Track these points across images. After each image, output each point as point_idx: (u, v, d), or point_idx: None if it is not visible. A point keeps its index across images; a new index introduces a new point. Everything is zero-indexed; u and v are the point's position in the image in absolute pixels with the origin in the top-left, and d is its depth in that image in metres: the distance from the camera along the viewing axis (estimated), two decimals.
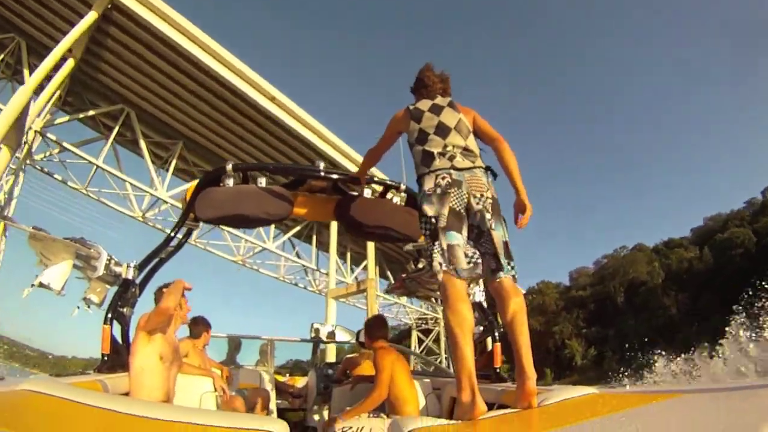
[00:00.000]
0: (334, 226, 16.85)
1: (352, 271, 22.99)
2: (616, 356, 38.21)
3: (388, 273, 23.22)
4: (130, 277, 3.08)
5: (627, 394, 2.10)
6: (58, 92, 13.57)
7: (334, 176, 3.25)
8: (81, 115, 15.50)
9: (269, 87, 14.70)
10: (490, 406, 1.91)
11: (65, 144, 15.64)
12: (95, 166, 16.26)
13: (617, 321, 44.13)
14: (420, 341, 35.32)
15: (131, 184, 16.94)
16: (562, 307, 50.61)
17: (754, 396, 1.57)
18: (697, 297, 39.20)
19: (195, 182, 3.23)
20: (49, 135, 15.19)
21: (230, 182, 3.12)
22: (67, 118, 15.52)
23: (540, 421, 1.78)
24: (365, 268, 20.50)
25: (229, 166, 3.09)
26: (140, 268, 3.16)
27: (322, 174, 3.20)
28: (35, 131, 14.52)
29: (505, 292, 2.12)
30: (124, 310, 3.00)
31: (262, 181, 3.18)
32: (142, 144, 16.20)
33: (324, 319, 16.03)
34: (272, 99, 14.84)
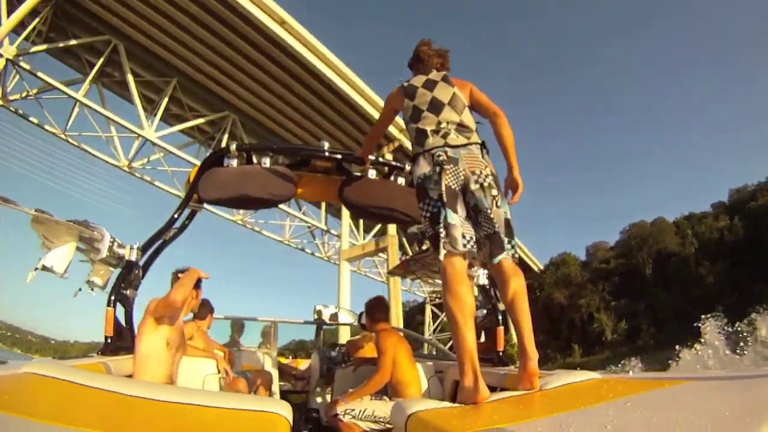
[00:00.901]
0: None
1: (364, 239, 21.45)
2: (651, 330, 37.23)
3: (405, 243, 21.73)
4: (133, 259, 3.08)
5: (631, 379, 2.09)
6: (38, 24, 12.70)
7: (338, 156, 3.22)
8: (61, 44, 14.18)
9: (278, 9, 13.29)
10: (493, 390, 1.91)
11: (41, 74, 14.02)
12: (76, 102, 14.89)
13: (647, 294, 40.91)
14: (435, 316, 35.20)
15: (118, 124, 15.52)
16: (587, 279, 46.66)
17: (760, 384, 1.56)
18: (733, 267, 36.80)
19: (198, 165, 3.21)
20: (22, 64, 13.67)
21: (234, 163, 3.09)
22: (44, 47, 14.04)
23: (542, 405, 1.78)
24: (378, 234, 19.52)
25: (233, 146, 3.06)
26: (143, 249, 3.16)
27: (326, 154, 3.17)
28: (7, 59, 13.08)
29: (505, 273, 2.09)
30: (128, 292, 3.01)
31: (266, 162, 3.16)
32: (130, 80, 15.00)
33: (337, 287, 15.57)
34: (281, 23, 13.54)
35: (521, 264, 2.43)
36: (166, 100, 16.02)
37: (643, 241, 45.56)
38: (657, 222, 46.98)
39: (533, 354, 1.95)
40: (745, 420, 1.01)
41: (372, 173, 3.36)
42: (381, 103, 14.90)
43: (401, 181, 3.44)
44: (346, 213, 16.77)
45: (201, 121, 17.59)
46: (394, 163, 3.42)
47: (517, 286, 2.07)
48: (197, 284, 2.72)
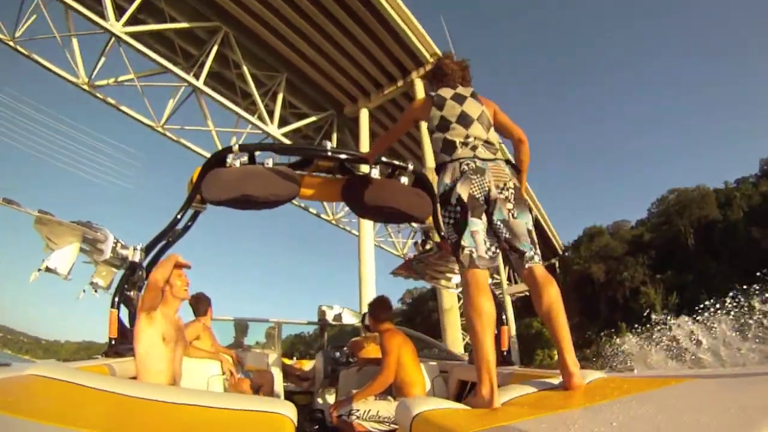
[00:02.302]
0: None
1: None
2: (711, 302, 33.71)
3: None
4: (136, 260, 3.08)
5: (636, 378, 2.08)
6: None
7: (342, 156, 3.22)
8: (162, 26, 13.57)
9: None
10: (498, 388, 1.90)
11: (155, 56, 13.23)
12: (175, 90, 14.74)
13: (694, 264, 36.93)
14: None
15: (243, 119, 15.09)
16: (627, 252, 42.11)
17: (762, 381, 1.55)
18: None
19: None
20: (131, 42, 12.75)
21: (237, 163, 3.09)
22: (147, 27, 13.18)
23: (548, 404, 1.77)
24: None
25: (236, 146, 3.06)
26: (147, 251, 3.16)
27: (330, 154, 3.16)
28: (113, 35, 12.61)
29: (537, 282, 2.06)
30: (131, 293, 3.02)
31: (269, 162, 3.16)
32: (246, 72, 14.74)
33: (357, 257, 15.34)
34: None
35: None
36: (281, 96, 15.94)
37: (683, 208, 41.67)
38: (699, 188, 42.84)
39: (574, 368, 1.88)
40: (750, 416, 1.00)
41: (375, 172, 3.35)
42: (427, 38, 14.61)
43: (404, 180, 3.43)
44: None
45: (311, 119, 17.63)
46: (397, 162, 3.41)
47: (552, 296, 2.02)
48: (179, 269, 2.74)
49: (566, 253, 43.09)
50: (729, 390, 1.51)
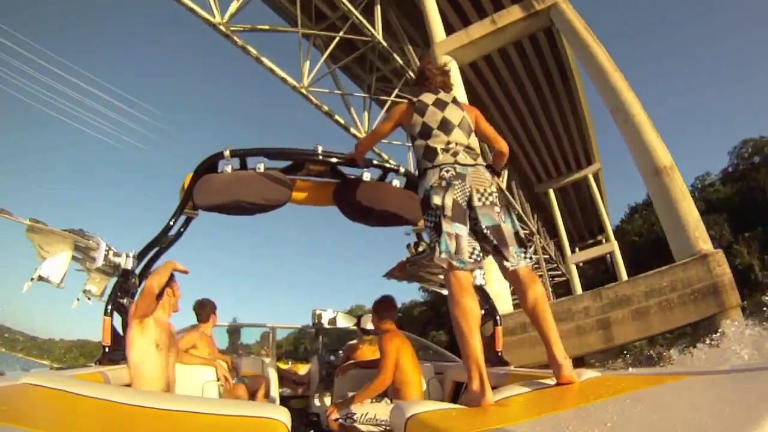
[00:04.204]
0: None
1: None
2: None
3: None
4: (129, 267, 3.07)
5: (630, 376, 2.10)
6: None
7: (332, 160, 3.21)
8: None
9: None
10: (492, 390, 1.91)
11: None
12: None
13: None
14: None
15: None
16: (703, 210, 31.87)
17: (756, 378, 1.57)
18: None
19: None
20: None
21: (228, 168, 3.09)
22: None
23: (543, 404, 1.79)
24: None
25: (227, 152, 3.06)
26: (139, 257, 3.15)
27: (320, 158, 3.16)
28: None
29: (522, 281, 2.12)
30: (124, 300, 3.00)
31: (261, 167, 3.15)
32: None
33: None
34: None
35: None
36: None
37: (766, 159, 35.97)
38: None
39: (563, 360, 1.94)
40: (745, 414, 1.01)
41: (367, 176, 3.36)
42: None
43: (396, 183, 3.44)
44: None
45: None
46: (388, 165, 3.41)
47: (537, 292, 2.10)
48: (171, 279, 2.74)
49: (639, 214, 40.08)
50: (724, 388, 1.52)
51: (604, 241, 37.13)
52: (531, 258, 2.21)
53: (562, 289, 41.88)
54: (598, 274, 39.14)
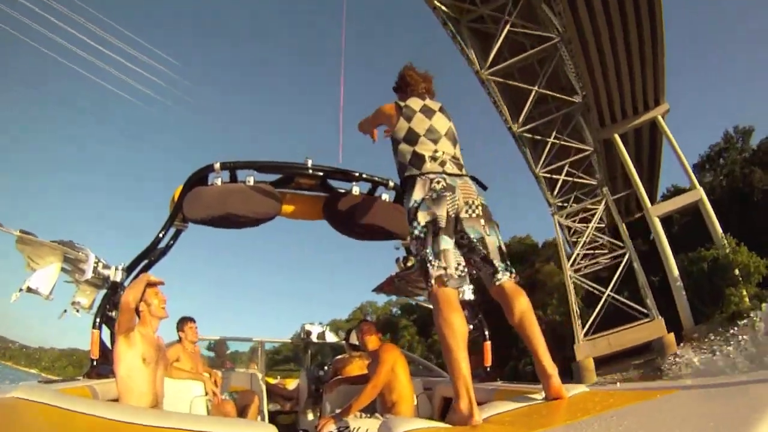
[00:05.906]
0: None
1: None
2: None
3: None
4: (118, 279, 3.05)
5: (619, 391, 2.11)
6: None
7: (322, 173, 3.21)
8: None
9: None
10: (480, 404, 1.91)
11: None
12: None
13: None
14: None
15: None
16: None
17: (745, 391, 1.59)
18: None
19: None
20: None
21: (218, 181, 3.10)
22: None
23: (530, 421, 1.80)
24: None
25: (217, 165, 3.06)
26: (128, 270, 3.13)
27: (310, 171, 3.18)
28: None
29: (507, 295, 2.11)
30: (113, 313, 2.97)
31: (251, 180, 3.16)
32: None
33: None
34: None
35: None
36: None
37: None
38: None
39: (552, 370, 1.95)
40: (732, 428, 1.03)
41: (356, 190, 3.38)
42: None
43: (386, 197, 3.46)
44: None
45: None
46: (377, 179, 3.41)
47: (523, 305, 2.08)
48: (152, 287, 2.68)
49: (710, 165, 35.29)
50: (713, 401, 1.54)
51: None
52: (513, 271, 2.20)
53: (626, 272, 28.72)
54: (686, 229, 29.63)
